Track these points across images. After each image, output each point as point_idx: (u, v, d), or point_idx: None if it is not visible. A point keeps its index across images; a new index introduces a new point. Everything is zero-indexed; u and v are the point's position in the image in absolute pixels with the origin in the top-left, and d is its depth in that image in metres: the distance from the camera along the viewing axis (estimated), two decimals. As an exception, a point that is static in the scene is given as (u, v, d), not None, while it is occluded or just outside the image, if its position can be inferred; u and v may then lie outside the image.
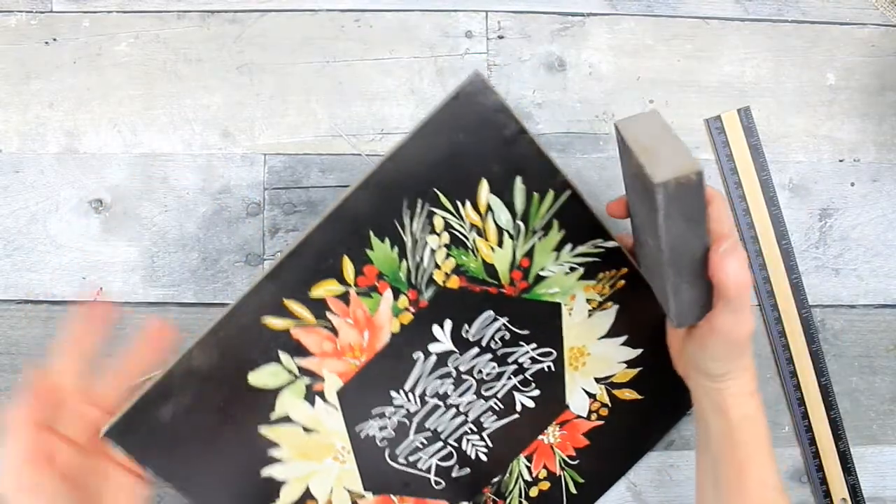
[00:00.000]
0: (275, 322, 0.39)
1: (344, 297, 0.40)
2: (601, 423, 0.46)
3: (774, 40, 0.50)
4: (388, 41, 0.48)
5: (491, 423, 0.44)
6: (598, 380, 0.45)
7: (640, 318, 0.44)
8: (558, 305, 0.43)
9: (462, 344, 0.42)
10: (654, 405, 0.46)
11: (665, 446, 0.49)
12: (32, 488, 0.32)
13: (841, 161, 0.51)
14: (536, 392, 0.44)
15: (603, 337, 0.44)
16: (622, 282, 0.44)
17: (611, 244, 0.43)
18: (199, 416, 0.39)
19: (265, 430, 0.40)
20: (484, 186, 0.40)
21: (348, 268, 0.40)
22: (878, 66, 0.51)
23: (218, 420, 0.39)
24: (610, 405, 0.46)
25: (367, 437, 0.42)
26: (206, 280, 0.47)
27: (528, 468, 0.45)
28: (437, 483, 0.44)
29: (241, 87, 0.48)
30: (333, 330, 0.40)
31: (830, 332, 0.50)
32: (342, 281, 0.40)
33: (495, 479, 0.45)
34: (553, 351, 0.44)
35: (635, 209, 0.39)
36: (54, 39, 0.47)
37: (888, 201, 0.51)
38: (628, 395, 0.46)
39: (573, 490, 0.46)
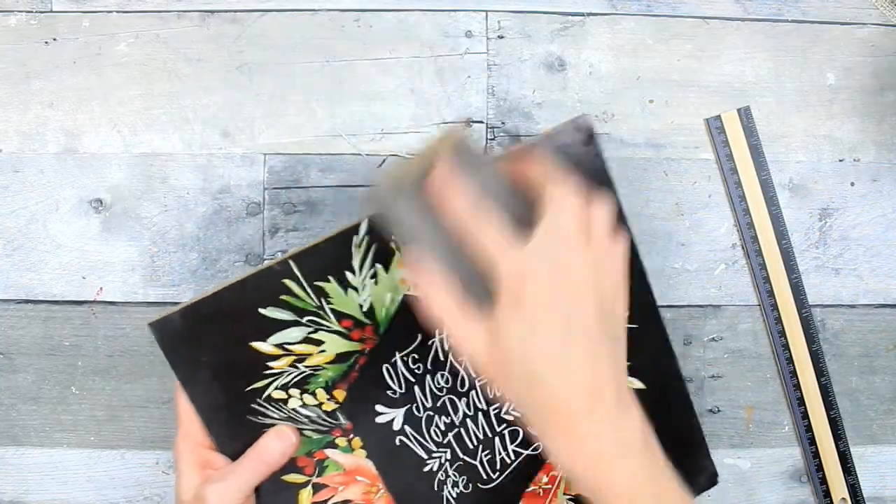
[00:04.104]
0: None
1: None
2: None
3: (774, 40, 0.50)
4: (388, 41, 0.48)
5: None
6: None
7: None
8: None
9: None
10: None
11: (665, 446, 0.49)
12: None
13: (841, 161, 0.51)
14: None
15: None
16: None
17: None
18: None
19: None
20: None
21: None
22: (878, 66, 0.51)
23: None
24: None
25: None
26: (206, 280, 0.47)
27: None
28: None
29: (241, 87, 0.48)
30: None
31: (830, 332, 0.50)
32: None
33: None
34: None
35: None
36: (54, 39, 0.47)
37: (888, 201, 0.51)
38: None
39: None
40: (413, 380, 0.42)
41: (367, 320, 0.41)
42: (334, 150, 0.48)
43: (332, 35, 0.48)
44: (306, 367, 0.40)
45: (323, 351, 0.40)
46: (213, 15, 0.48)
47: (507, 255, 0.31)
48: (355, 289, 0.40)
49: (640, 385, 0.45)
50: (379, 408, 0.42)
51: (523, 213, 0.33)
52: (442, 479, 0.43)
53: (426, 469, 0.43)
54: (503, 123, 0.49)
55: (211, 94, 0.48)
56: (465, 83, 0.49)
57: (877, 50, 0.51)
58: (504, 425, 0.44)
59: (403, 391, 0.42)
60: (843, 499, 0.50)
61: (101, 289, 0.47)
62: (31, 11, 0.47)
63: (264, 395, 0.40)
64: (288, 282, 0.39)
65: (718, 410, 0.50)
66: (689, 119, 0.50)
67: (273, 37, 0.48)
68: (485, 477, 0.44)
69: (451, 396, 0.43)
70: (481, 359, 0.32)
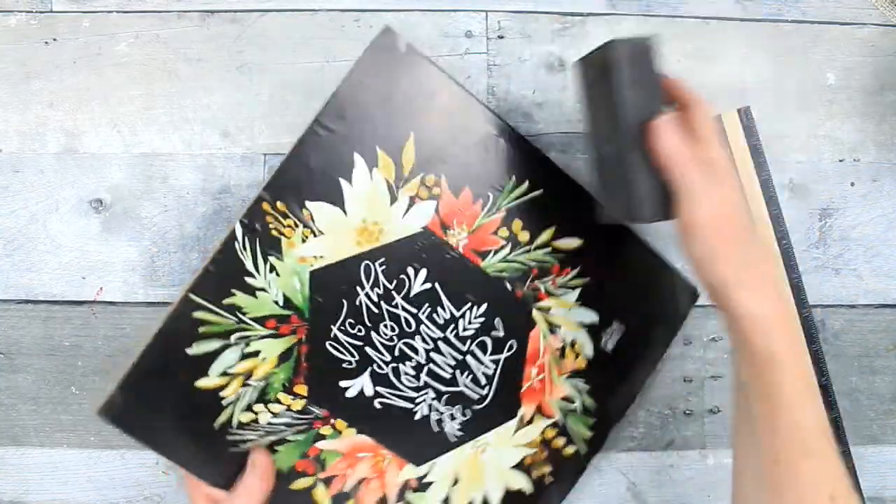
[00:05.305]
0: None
1: None
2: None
3: (774, 40, 0.50)
4: (388, 41, 0.48)
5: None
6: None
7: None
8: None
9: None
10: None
11: (665, 446, 0.49)
12: None
13: (841, 161, 0.51)
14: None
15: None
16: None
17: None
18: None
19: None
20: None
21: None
22: (878, 66, 0.51)
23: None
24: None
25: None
26: (206, 280, 0.47)
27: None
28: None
29: (241, 87, 0.48)
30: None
31: (830, 332, 0.50)
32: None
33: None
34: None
35: (593, 118, 0.40)
36: (54, 39, 0.47)
37: (888, 201, 0.51)
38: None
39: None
40: (360, 343, 0.42)
41: (287, 311, 0.41)
42: (334, 150, 0.48)
43: (332, 35, 0.48)
44: (257, 381, 0.40)
45: (264, 359, 0.40)
46: (213, 15, 0.48)
47: (702, 191, 0.35)
48: (262, 289, 0.40)
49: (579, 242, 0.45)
50: (343, 384, 0.42)
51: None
52: (437, 418, 0.44)
53: (417, 417, 0.43)
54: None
55: (211, 94, 0.48)
56: (465, 83, 0.49)
57: (877, 50, 0.51)
58: (469, 342, 0.44)
59: (357, 358, 0.42)
60: (843, 499, 0.50)
61: (101, 289, 0.47)
62: (31, 11, 0.47)
63: (234, 424, 0.40)
64: (198, 314, 0.39)
65: (718, 410, 0.50)
66: (689, 119, 0.50)
67: (273, 37, 0.48)
68: (476, 397, 0.44)
69: (405, 340, 0.43)
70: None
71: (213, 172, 0.47)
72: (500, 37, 0.49)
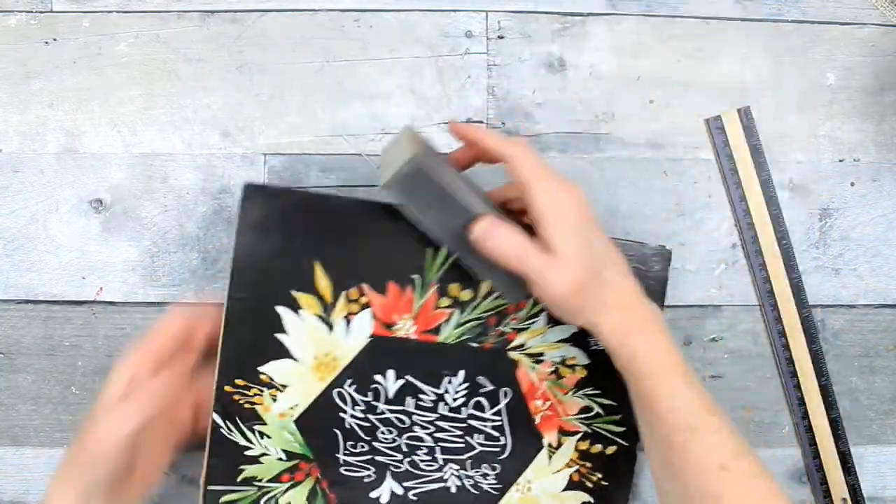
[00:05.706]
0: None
1: None
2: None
3: (774, 40, 0.50)
4: (388, 41, 0.48)
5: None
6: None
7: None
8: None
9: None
10: None
11: (665, 446, 0.49)
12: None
13: (841, 161, 0.51)
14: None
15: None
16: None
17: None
18: None
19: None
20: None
21: None
22: (878, 66, 0.51)
23: None
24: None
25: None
26: (206, 280, 0.47)
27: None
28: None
29: (241, 87, 0.48)
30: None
31: (830, 332, 0.50)
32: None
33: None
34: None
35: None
36: (54, 39, 0.47)
37: (888, 201, 0.51)
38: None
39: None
40: (369, 457, 0.44)
41: (293, 461, 0.43)
42: (334, 150, 0.48)
43: (332, 35, 0.48)
44: None
45: None
46: (213, 15, 0.48)
47: (544, 263, 0.37)
48: (263, 454, 0.43)
49: None
50: (373, 495, 0.44)
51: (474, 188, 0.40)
52: (471, 483, 0.45)
53: (453, 490, 0.45)
54: (503, 124, 0.49)
55: (211, 94, 0.48)
56: (465, 83, 0.49)
57: (877, 50, 0.51)
58: (464, 409, 0.44)
59: (373, 469, 0.44)
60: (844, 499, 0.50)
61: (101, 289, 0.47)
62: (31, 11, 0.47)
63: None
64: (223, 498, 0.42)
65: (718, 410, 0.50)
66: (689, 119, 0.50)
67: (273, 37, 0.48)
68: (497, 450, 0.45)
69: (407, 434, 0.44)
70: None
71: (213, 172, 0.48)
72: (500, 37, 0.49)
